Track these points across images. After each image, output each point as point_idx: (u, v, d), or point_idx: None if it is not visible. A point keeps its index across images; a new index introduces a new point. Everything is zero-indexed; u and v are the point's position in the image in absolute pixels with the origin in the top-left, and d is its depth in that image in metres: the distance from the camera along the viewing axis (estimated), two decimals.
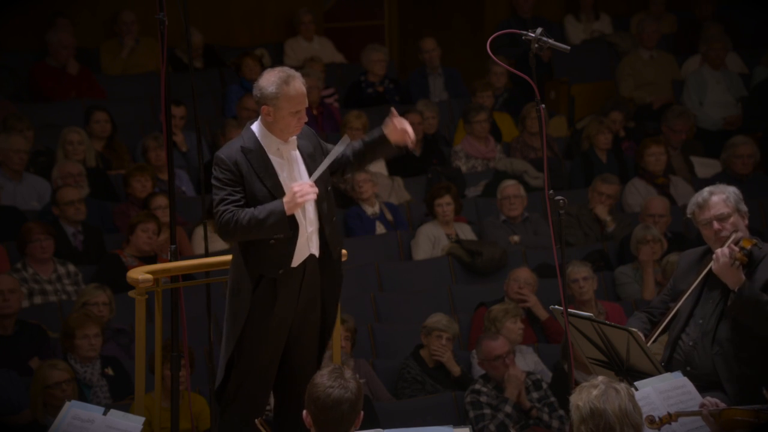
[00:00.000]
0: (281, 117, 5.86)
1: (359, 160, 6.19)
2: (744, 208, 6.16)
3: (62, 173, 10.21)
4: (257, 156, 5.89)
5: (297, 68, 13.22)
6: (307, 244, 5.97)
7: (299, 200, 5.79)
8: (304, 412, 4.77)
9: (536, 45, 5.71)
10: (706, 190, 6.17)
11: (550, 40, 5.72)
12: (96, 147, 10.87)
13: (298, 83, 5.87)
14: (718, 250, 6.02)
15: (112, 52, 12.53)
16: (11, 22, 12.32)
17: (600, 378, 4.62)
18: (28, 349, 8.52)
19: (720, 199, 6.11)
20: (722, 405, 5.43)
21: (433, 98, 12.81)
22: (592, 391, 4.54)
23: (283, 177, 5.92)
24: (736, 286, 5.98)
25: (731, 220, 6.09)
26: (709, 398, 5.48)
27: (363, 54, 12.81)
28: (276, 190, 5.89)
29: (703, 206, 6.13)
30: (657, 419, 5.30)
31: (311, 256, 6.00)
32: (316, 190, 5.84)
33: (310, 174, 5.96)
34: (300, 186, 5.81)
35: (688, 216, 6.23)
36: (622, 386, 4.57)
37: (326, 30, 14.06)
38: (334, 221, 6.08)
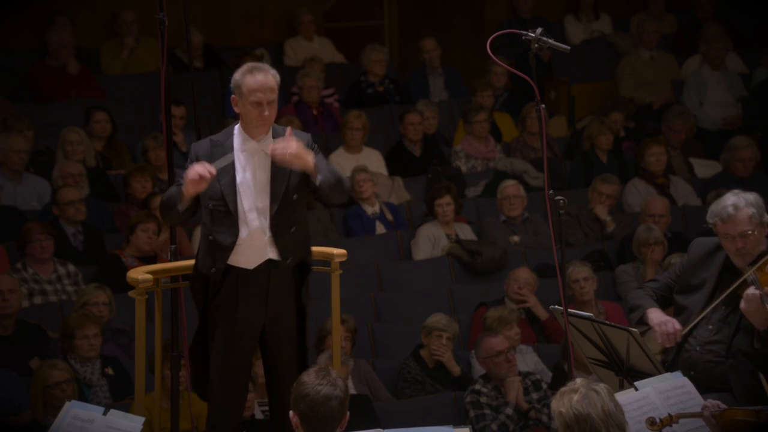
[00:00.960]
0: (243, 105, 5.87)
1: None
2: (767, 218, 6.04)
3: (62, 173, 10.21)
4: (222, 152, 5.91)
5: (297, 68, 13.22)
6: (265, 248, 5.92)
7: (187, 180, 5.76)
8: (291, 412, 4.77)
9: (536, 45, 5.70)
10: (730, 203, 6.01)
11: (550, 40, 5.71)
12: (96, 147, 10.87)
13: (263, 75, 5.84)
14: (750, 292, 5.86)
15: (112, 52, 12.53)
16: (11, 22, 12.32)
17: (578, 381, 4.55)
18: (28, 349, 8.51)
19: (745, 215, 5.97)
20: (723, 406, 5.41)
21: (433, 98, 12.81)
22: (573, 396, 4.47)
23: (243, 176, 5.89)
24: (763, 327, 5.89)
25: (755, 236, 6.00)
26: (710, 400, 5.46)
27: (363, 54, 12.81)
28: (228, 189, 5.87)
29: (726, 221, 5.99)
30: (657, 421, 5.28)
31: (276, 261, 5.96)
32: (206, 174, 5.74)
33: (272, 178, 5.88)
34: (198, 166, 5.77)
35: (709, 225, 6.09)
36: (601, 386, 4.51)
37: (326, 30, 14.06)
38: (293, 232, 5.97)
